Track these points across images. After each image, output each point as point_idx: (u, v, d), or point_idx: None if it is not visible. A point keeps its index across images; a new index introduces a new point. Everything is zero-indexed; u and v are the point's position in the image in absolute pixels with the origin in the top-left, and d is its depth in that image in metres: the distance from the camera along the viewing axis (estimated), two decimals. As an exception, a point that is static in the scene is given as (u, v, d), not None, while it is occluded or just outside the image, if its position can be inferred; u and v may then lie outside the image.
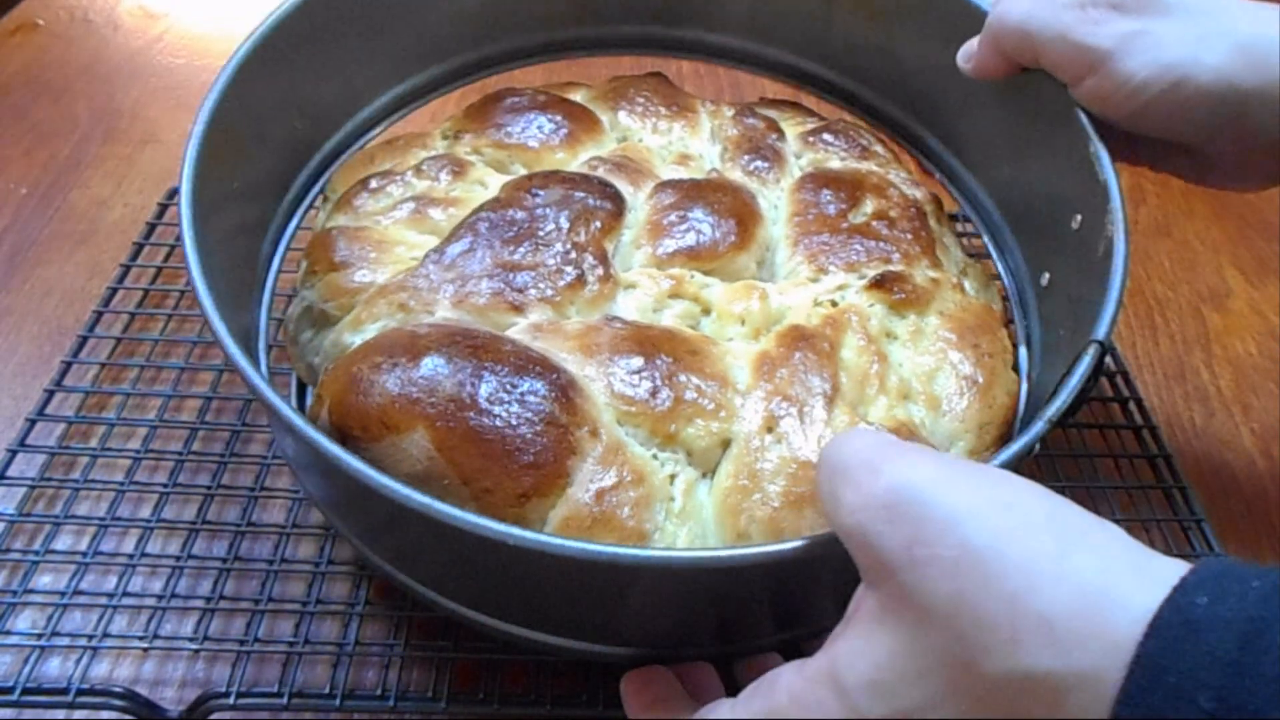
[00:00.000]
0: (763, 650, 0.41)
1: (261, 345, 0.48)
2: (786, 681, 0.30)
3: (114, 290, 0.63)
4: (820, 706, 0.28)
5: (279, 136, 0.52)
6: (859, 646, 0.28)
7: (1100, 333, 0.39)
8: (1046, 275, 0.50)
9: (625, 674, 0.39)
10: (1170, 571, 0.25)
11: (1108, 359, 0.61)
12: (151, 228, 0.67)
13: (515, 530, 0.32)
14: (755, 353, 0.44)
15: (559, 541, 0.33)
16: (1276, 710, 0.22)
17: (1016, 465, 0.37)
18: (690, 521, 0.40)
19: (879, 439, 0.31)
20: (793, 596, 0.38)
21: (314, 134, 0.55)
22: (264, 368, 0.48)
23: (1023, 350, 0.50)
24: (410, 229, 0.49)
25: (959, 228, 0.68)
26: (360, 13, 0.54)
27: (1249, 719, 0.22)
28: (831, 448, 0.31)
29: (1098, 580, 0.25)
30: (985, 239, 0.56)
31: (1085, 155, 0.46)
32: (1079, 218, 0.46)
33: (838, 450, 0.31)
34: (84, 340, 0.60)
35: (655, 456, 0.40)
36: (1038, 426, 0.37)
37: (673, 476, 0.40)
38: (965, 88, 0.53)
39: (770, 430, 0.41)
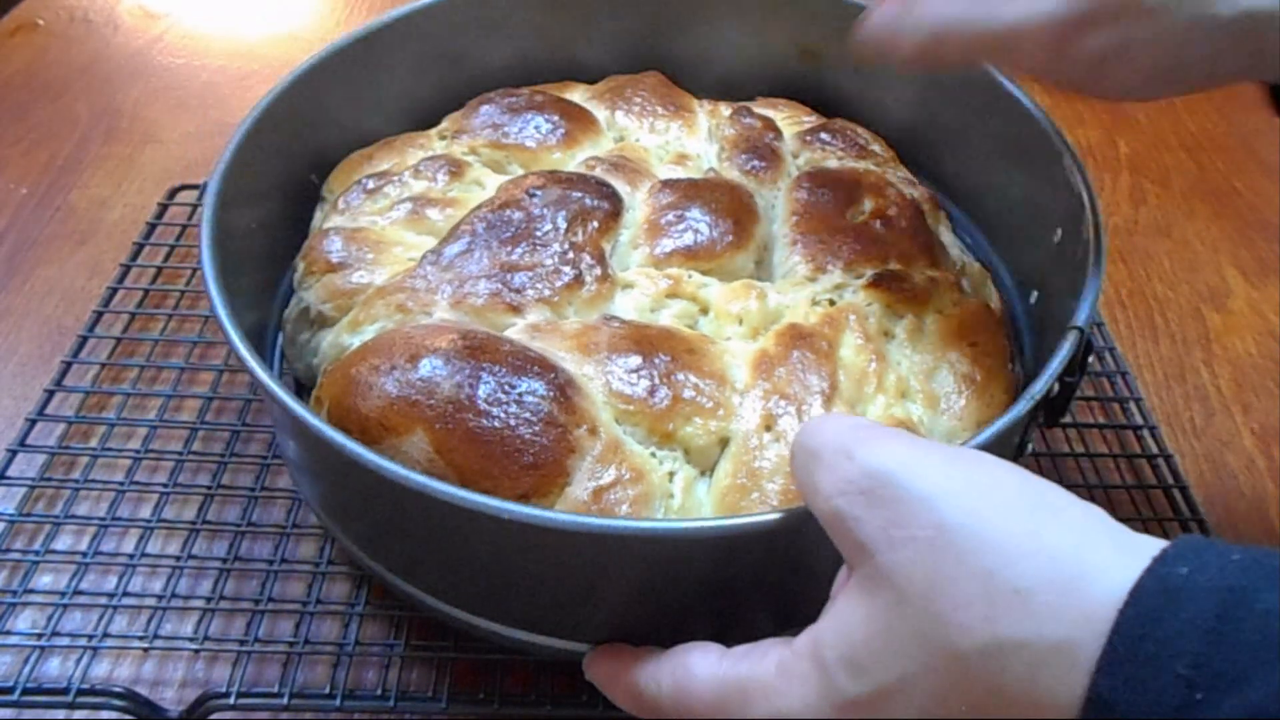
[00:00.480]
0: None
1: (278, 344, 0.48)
2: (776, 652, 0.30)
3: (114, 290, 0.63)
4: (803, 680, 0.29)
5: (303, 154, 0.54)
6: (839, 624, 0.29)
7: (1080, 319, 0.40)
8: (1035, 293, 0.51)
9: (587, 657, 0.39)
10: (1149, 545, 0.25)
11: (1110, 359, 0.61)
12: (151, 228, 0.67)
13: (509, 505, 0.33)
14: (753, 351, 0.44)
15: (549, 514, 0.33)
16: (1252, 677, 0.22)
17: (1002, 447, 0.37)
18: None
19: (851, 423, 0.31)
20: (786, 585, 0.38)
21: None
22: (277, 366, 0.48)
23: (1018, 367, 0.50)
24: (408, 229, 0.49)
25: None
26: (371, 70, 0.56)
27: (1225, 686, 0.22)
28: (804, 434, 0.32)
29: (1073, 553, 0.25)
30: (975, 264, 0.57)
31: (1061, 170, 0.47)
32: (1059, 231, 0.48)
33: (811, 436, 0.31)
34: (84, 340, 0.60)
35: (654, 454, 0.40)
36: (1021, 405, 0.38)
37: (671, 474, 0.40)
38: (948, 127, 0.55)
39: (769, 429, 0.41)
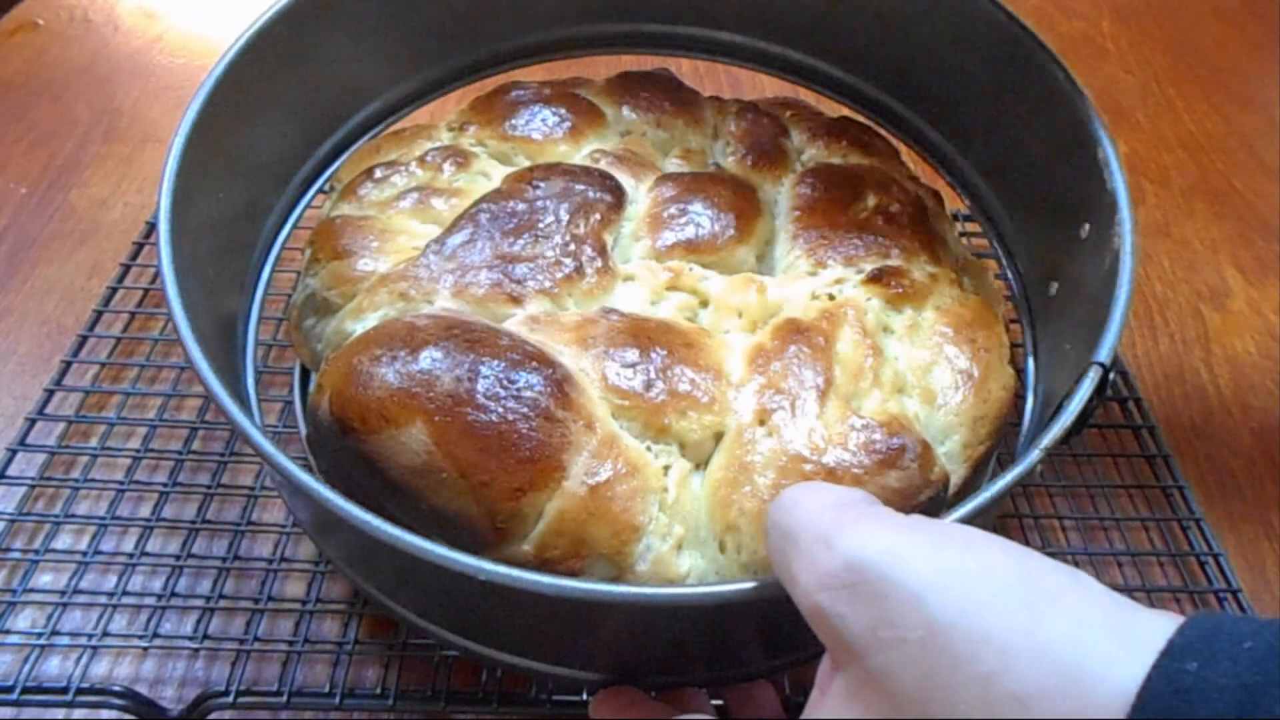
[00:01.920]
0: (753, 677, 0.41)
1: (251, 338, 0.47)
2: None
3: (114, 290, 0.63)
4: None
5: (275, 133, 0.52)
6: None
7: (1102, 355, 0.38)
8: (1055, 285, 0.49)
9: (594, 698, 0.38)
10: (1152, 632, 0.23)
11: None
12: (151, 227, 0.67)
13: (486, 565, 0.32)
14: (750, 345, 0.44)
15: (526, 576, 0.32)
16: None
17: (1008, 493, 0.36)
18: (683, 513, 0.40)
19: (827, 501, 0.29)
20: (777, 626, 0.37)
21: (313, 132, 0.55)
22: (250, 365, 0.47)
23: (1030, 361, 0.49)
24: (413, 218, 0.49)
25: (964, 228, 0.69)
26: (355, 12, 0.54)
27: None
28: (779, 512, 0.30)
29: (1074, 650, 0.24)
30: (994, 245, 0.55)
31: (1094, 161, 0.45)
32: (1087, 226, 0.45)
33: (786, 516, 0.29)
34: (84, 340, 0.60)
35: (649, 449, 0.40)
36: (1033, 455, 0.36)
37: (667, 468, 0.40)
38: (974, 86, 0.51)
39: (762, 423, 0.41)
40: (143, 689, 0.44)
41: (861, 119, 0.60)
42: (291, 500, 0.46)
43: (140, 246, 0.66)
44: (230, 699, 0.44)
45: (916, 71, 0.58)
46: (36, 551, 0.49)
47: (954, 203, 0.59)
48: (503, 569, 0.32)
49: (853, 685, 0.27)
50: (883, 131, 0.60)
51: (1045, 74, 0.47)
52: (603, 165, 0.51)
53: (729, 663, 0.40)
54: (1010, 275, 0.53)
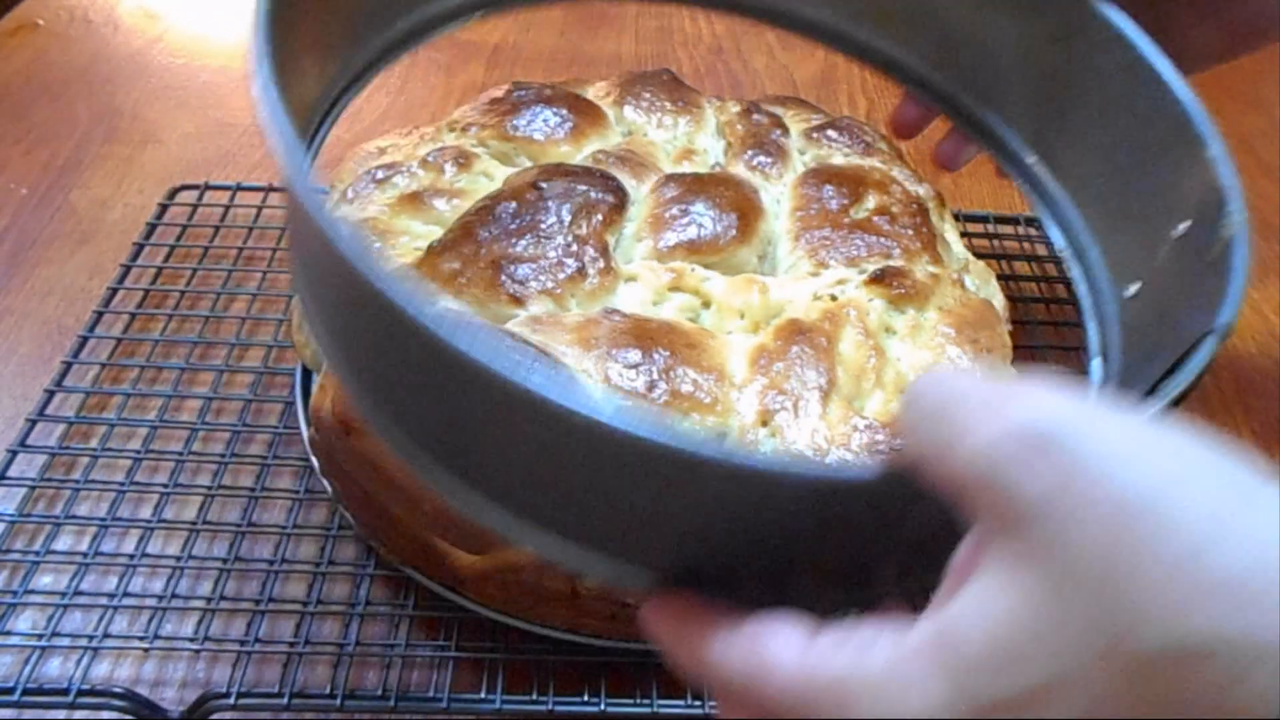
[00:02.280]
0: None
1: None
2: (885, 646, 0.25)
3: (114, 290, 0.63)
4: (924, 680, 0.24)
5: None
6: (979, 610, 0.23)
7: (1221, 321, 0.37)
8: (1136, 285, 0.46)
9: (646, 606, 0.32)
10: None
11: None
12: (152, 228, 0.67)
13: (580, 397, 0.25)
14: (752, 346, 0.44)
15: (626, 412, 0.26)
16: None
17: None
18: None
19: (989, 375, 0.27)
20: (858, 547, 0.34)
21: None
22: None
23: (1097, 362, 0.48)
24: (415, 219, 0.49)
25: (965, 228, 0.68)
26: None
27: None
28: (928, 384, 0.26)
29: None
30: (1063, 244, 0.51)
31: (1200, 159, 0.42)
32: (1186, 224, 0.43)
33: (939, 386, 0.26)
34: (84, 340, 0.59)
35: (651, 449, 0.40)
36: (1156, 402, 0.35)
37: (669, 469, 0.40)
38: (1046, 74, 0.49)
39: (765, 424, 0.41)
40: (144, 690, 0.44)
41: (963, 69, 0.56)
42: (330, 294, 0.37)
43: (140, 247, 0.65)
44: (231, 700, 0.44)
45: (1000, 61, 0.53)
46: (37, 553, 0.49)
47: (953, 203, 0.58)
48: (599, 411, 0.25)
49: (1017, 555, 0.23)
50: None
51: (1149, 74, 0.45)
52: (604, 166, 0.51)
53: (789, 589, 0.36)
54: (1078, 273, 0.50)
